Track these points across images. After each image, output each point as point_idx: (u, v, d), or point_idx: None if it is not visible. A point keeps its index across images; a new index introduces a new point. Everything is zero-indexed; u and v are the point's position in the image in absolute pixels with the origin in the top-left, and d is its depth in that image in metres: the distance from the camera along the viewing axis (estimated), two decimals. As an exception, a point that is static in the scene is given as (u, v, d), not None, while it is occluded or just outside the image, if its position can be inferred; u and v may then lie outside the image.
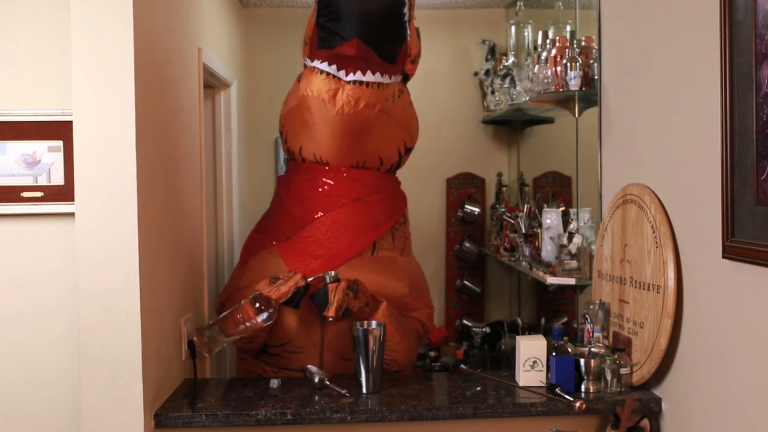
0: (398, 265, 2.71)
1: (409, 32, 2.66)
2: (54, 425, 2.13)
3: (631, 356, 2.15)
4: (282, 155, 4.23)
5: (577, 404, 2.05)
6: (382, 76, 2.57)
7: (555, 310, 3.69)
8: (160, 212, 2.15)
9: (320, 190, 2.66)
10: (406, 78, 2.80)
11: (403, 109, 2.72)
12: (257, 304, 2.27)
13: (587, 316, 2.29)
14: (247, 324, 2.28)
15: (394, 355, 2.53)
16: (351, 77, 2.51)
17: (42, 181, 2.11)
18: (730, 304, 1.71)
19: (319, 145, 2.63)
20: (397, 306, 2.63)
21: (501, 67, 3.90)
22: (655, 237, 2.03)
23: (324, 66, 2.54)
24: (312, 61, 2.62)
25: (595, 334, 2.24)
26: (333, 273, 2.42)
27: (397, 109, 2.66)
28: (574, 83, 2.69)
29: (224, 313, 2.34)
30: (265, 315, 2.27)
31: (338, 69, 2.52)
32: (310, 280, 2.39)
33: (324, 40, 2.58)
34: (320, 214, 2.63)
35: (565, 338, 2.32)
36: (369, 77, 2.53)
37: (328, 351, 2.55)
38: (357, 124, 2.56)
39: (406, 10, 2.60)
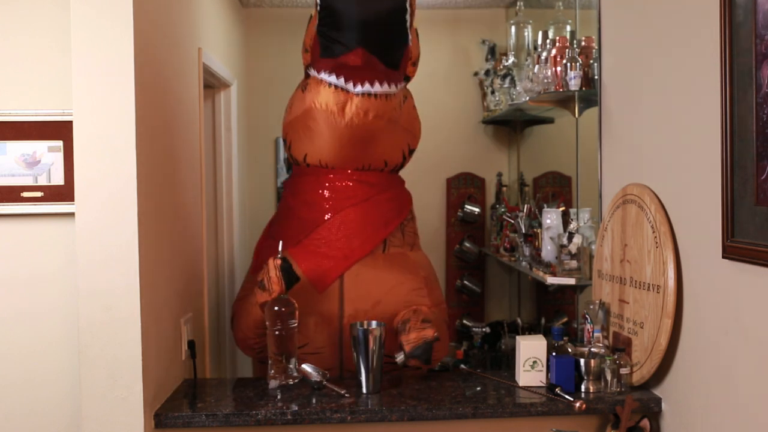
0: (410, 260, 2.76)
1: (410, 36, 2.67)
2: (54, 425, 2.13)
3: (631, 356, 2.15)
4: (282, 155, 4.24)
5: (577, 404, 2.05)
6: (389, 85, 2.56)
7: (555, 310, 3.69)
8: (160, 212, 2.15)
9: (327, 192, 2.69)
10: (406, 79, 2.80)
11: (408, 114, 2.74)
12: (276, 308, 2.32)
13: (587, 316, 2.29)
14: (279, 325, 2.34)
15: (441, 356, 2.64)
16: (359, 89, 2.49)
17: (42, 181, 2.11)
18: (730, 304, 1.71)
19: (324, 153, 2.64)
20: (415, 300, 2.67)
21: (501, 67, 3.90)
22: (655, 237, 2.03)
23: (332, 79, 2.51)
24: (318, 72, 2.59)
25: (595, 334, 2.24)
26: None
27: (403, 115, 2.69)
28: (574, 83, 2.69)
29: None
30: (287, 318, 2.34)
31: (346, 81, 2.50)
32: (280, 252, 2.39)
33: (326, 48, 2.59)
34: (329, 215, 2.66)
35: (565, 338, 2.32)
36: (377, 88, 2.51)
37: (348, 350, 2.57)
38: (365, 134, 2.58)
39: (407, 16, 2.60)
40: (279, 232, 2.74)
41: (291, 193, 2.82)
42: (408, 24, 2.62)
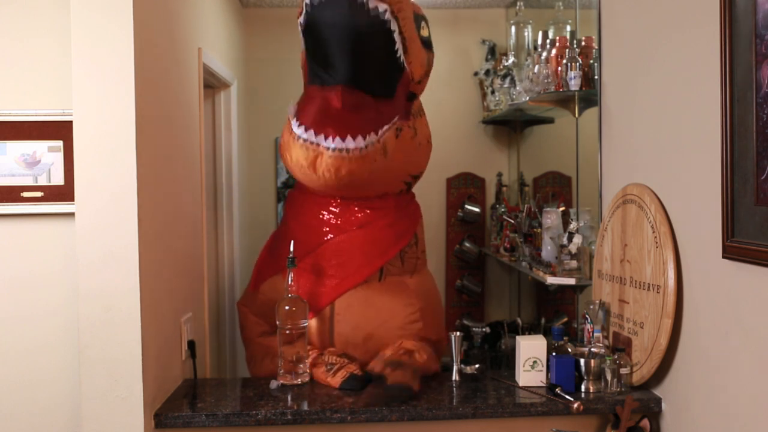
0: (407, 289, 2.59)
1: (404, 59, 2.38)
2: (54, 425, 2.13)
3: (631, 356, 2.15)
4: (282, 155, 4.23)
5: (575, 405, 2.04)
6: (365, 138, 2.30)
7: (555, 310, 3.69)
8: (160, 212, 2.15)
9: (327, 215, 2.58)
10: (412, 97, 2.57)
11: (404, 150, 2.46)
12: (287, 307, 2.34)
13: (587, 316, 2.29)
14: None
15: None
16: (330, 143, 2.27)
17: (42, 181, 2.11)
18: (730, 304, 1.71)
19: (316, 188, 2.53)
20: (407, 331, 2.52)
21: (501, 67, 3.90)
22: (655, 237, 2.03)
23: (300, 131, 2.32)
24: (292, 118, 2.39)
25: (595, 334, 2.24)
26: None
27: (395, 155, 2.41)
28: (574, 83, 2.69)
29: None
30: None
31: (316, 134, 2.29)
32: (292, 252, 2.38)
33: (313, 74, 2.41)
34: (326, 238, 2.56)
35: (565, 338, 2.32)
36: (349, 143, 2.27)
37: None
38: (343, 186, 2.43)
39: (397, 46, 2.31)
40: (279, 251, 2.65)
41: (292, 211, 2.73)
42: (399, 53, 2.35)
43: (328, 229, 2.57)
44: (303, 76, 2.59)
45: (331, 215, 2.58)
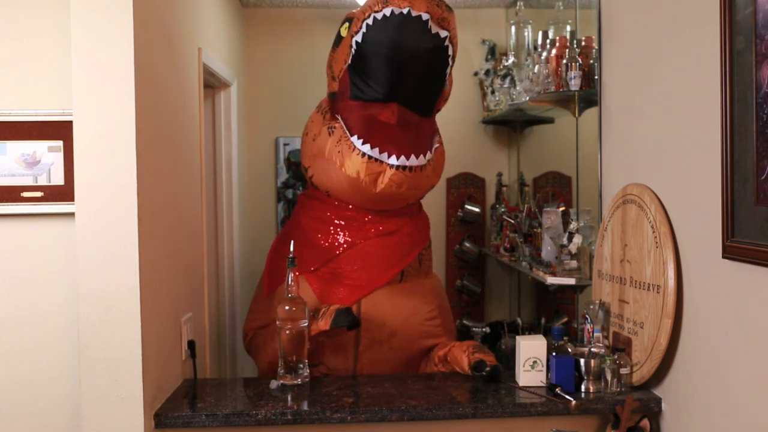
0: (425, 288, 2.75)
1: (447, 83, 2.53)
2: (54, 425, 2.13)
3: (631, 356, 2.15)
4: (282, 155, 4.23)
5: (573, 404, 2.05)
6: (425, 156, 2.46)
7: (555, 310, 3.69)
8: (160, 212, 2.15)
9: (346, 223, 2.63)
10: (437, 111, 2.69)
11: (438, 164, 2.66)
12: (286, 307, 2.34)
13: (587, 316, 2.29)
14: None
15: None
16: (394, 161, 2.38)
17: (42, 181, 2.11)
18: (730, 304, 1.71)
19: (348, 199, 2.60)
20: (429, 330, 2.68)
21: (501, 67, 3.90)
22: (655, 237, 2.04)
23: (365, 148, 2.39)
24: (350, 133, 2.43)
25: (595, 334, 2.24)
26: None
27: (434, 170, 2.61)
28: (574, 83, 2.69)
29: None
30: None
31: (380, 152, 2.39)
32: (291, 252, 2.40)
33: (357, 88, 2.42)
34: (346, 246, 2.61)
35: (565, 338, 2.32)
36: (413, 161, 2.41)
37: (361, 374, 2.59)
38: (396, 201, 2.56)
39: (448, 69, 2.44)
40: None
41: (307, 215, 2.75)
42: (448, 70, 2.45)
43: (349, 236, 2.63)
44: (332, 84, 2.62)
45: (352, 225, 2.63)
